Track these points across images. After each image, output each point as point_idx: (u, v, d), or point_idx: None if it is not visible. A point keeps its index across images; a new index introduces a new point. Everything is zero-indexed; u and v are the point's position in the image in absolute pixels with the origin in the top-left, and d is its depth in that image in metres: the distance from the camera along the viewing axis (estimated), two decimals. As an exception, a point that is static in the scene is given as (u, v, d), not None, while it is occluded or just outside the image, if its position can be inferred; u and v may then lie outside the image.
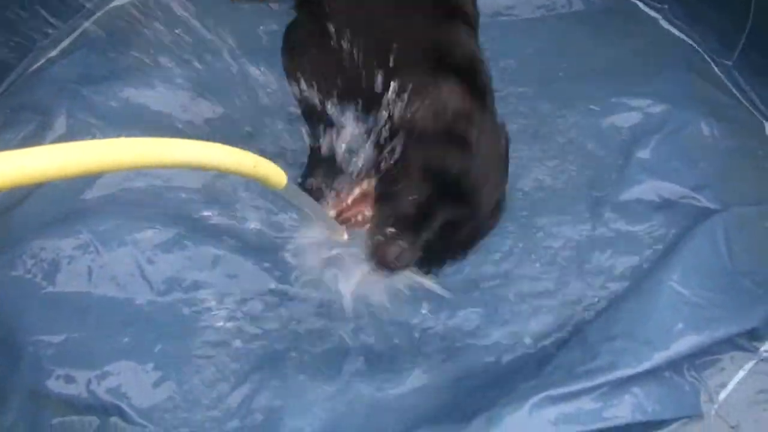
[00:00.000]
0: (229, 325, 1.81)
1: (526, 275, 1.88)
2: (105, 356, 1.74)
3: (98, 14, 2.37)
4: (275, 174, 1.17)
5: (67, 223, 1.90)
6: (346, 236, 1.77)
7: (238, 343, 1.79)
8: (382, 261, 1.46)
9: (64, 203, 1.95)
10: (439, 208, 1.47)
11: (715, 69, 2.21)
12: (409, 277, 1.68)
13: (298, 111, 1.91)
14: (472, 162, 1.49)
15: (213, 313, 1.83)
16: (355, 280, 1.79)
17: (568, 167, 2.03)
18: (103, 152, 0.81)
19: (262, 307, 1.83)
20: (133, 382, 1.72)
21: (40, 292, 1.82)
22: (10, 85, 2.19)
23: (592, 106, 2.12)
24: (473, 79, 1.56)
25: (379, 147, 1.53)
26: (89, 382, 1.70)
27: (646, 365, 1.63)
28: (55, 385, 1.70)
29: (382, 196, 1.52)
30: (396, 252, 1.43)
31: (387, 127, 1.49)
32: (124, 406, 1.69)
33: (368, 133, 1.54)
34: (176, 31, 2.32)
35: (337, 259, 1.83)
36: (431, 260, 1.58)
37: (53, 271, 1.84)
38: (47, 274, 1.84)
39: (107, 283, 1.85)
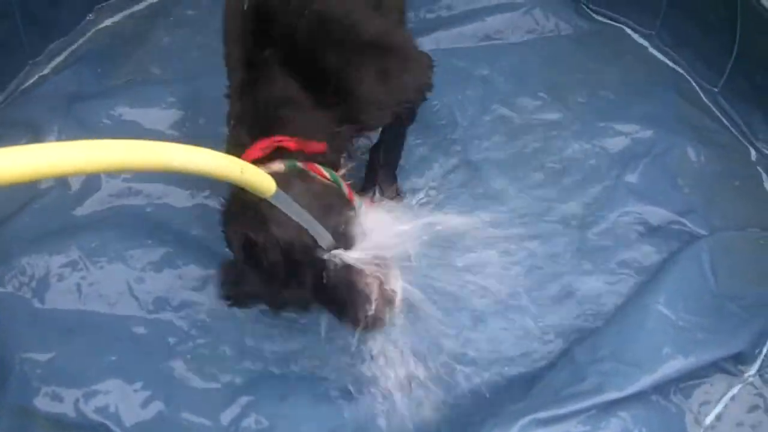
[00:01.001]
0: (218, 345, 1.81)
1: (514, 298, 1.88)
2: (93, 375, 1.73)
3: (90, 32, 2.38)
4: (263, 181, 1.14)
5: (56, 240, 1.90)
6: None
7: (227, 363, 1.79)
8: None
9: (53, 220, 1.95)
10: None
11: (702, 95, 2.23)
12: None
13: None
14: None
15: (202, 332, 1.82)
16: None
17: (555, 191, 2.05)
18: (90, 152, 0.80)
19: (252, 327, 1.83)
20: (121, 401, 1.71)
21: (28, 309, 1.82)
22: (2, 102, 2.20)
23: (580, 131, 2.14)
24: None
25: None
26: (77, 400, 1.69)
27: (634, 388, 1.64)
28: (42, 403, 1.69)
29: None
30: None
31: None
32: (111, 425, 1.68)
33: None
34: (168, 49, 2.34)
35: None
36: None
37: (42, 289, 1.84)
38: (36, 291, 1.84)
39: (96, 301, 1.85)
